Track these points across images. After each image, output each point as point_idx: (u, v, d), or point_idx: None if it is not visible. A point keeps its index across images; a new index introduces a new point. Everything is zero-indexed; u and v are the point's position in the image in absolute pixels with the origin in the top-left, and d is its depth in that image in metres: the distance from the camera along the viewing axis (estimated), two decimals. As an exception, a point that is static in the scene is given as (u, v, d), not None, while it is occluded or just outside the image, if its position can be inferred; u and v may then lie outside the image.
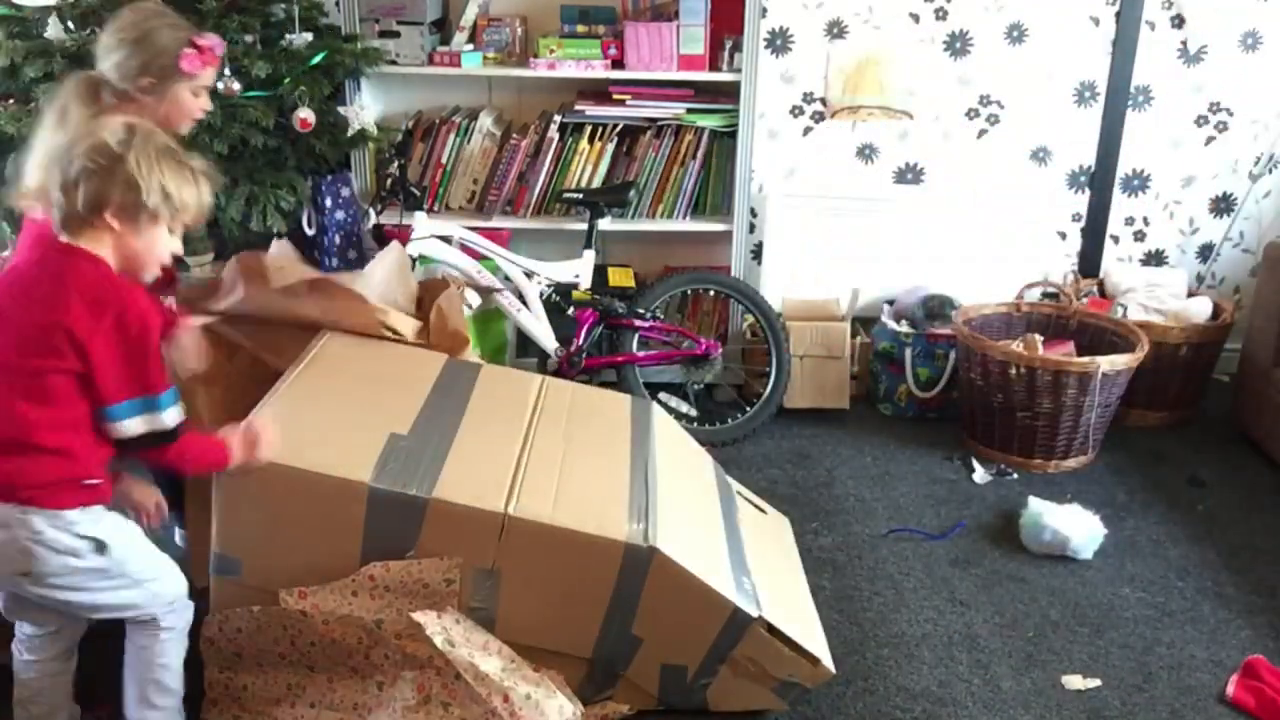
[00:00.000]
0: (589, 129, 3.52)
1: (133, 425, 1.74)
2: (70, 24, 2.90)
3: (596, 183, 3.55)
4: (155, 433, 1.76)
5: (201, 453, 1.86)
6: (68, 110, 2.04)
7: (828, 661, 2.23)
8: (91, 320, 1.68)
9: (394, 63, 3.39)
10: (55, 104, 2.06)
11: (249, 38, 2.92)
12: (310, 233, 3.23)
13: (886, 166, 3.80)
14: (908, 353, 3.57)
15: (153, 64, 2.12)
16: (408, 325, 2.51)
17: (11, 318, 1.72)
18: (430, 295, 2.65)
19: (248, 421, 1.94)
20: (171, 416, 1.77)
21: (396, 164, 3.23)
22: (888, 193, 3.81)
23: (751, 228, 3.74)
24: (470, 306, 3.15)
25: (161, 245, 1.79)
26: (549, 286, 3.35)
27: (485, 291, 3.23)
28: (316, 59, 3.05)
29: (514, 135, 3.54)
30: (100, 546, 1.77)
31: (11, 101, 2.83)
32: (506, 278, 3.29)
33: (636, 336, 3.39)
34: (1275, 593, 2.72)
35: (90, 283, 1.71)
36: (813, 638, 2.26)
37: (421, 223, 3.21)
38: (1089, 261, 3.89)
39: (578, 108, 3.50)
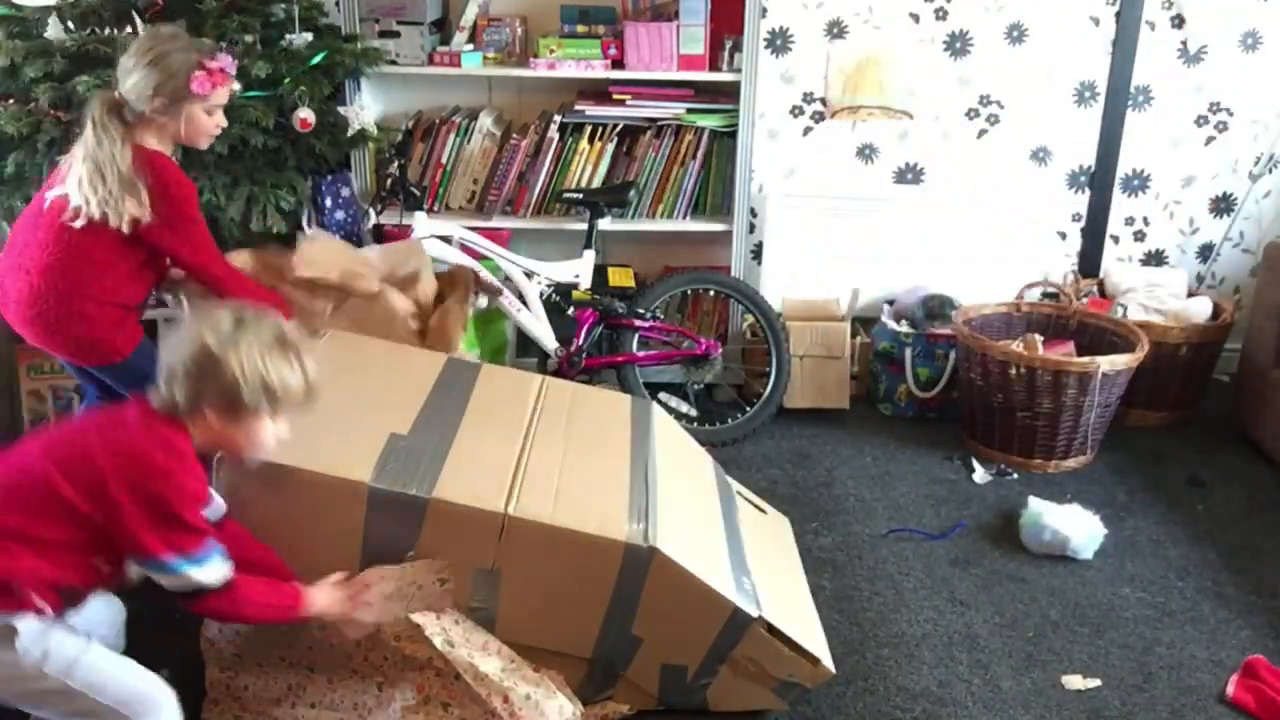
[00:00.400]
0: (589, 129, 3.52)
1: (167, 581, 1.73)
2: (70, 24, 2.90)
3: (596, 183, 3.55)
4: (193, 590, 1.74)
5: (271, 601, 1.87)
6: (107, 126, 2.19)
7: (828, 661, 2.23)
8: (129, 492, 1.66)
9: (394, 63, 3.39)
10: (90, 122, 2.20)
11: (249, 38, 2.92)
12: (310, 232, 3.23)
13: (886, 166, 3.80)
14: (908, 353, 3.57)
15: (165, 86, 2.24)
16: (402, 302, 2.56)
17: (75, 440, 1.72)
18: (448, 289, 2.69)
19: (360, 578, 1.96)
20: (209, 574, 1.74)
21: (396, 164, 3.23)
22: (888, 193, 3.81)
23: (751, 228, 3.74)
24: (476, 307, 3.15)
25: (264, 435, 1.79)
26: (549, 286, 3.35)
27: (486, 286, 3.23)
28: (316, 59, 3.05)
29: (514, 135, 3.54)
30: (8, 631, 1.65)
31: (11, 101, 2.83)
32: (506, 278, 3.29)
33: (636, 336, 3.39)
34: (1275, 593, 2.72)
35: (150, 460, 1.68)
36: (813, 638, 2.26)
37: (421, 223, 3.21)
38: (1089, 261, 3.88)
39: (578, 108, 3.50)
